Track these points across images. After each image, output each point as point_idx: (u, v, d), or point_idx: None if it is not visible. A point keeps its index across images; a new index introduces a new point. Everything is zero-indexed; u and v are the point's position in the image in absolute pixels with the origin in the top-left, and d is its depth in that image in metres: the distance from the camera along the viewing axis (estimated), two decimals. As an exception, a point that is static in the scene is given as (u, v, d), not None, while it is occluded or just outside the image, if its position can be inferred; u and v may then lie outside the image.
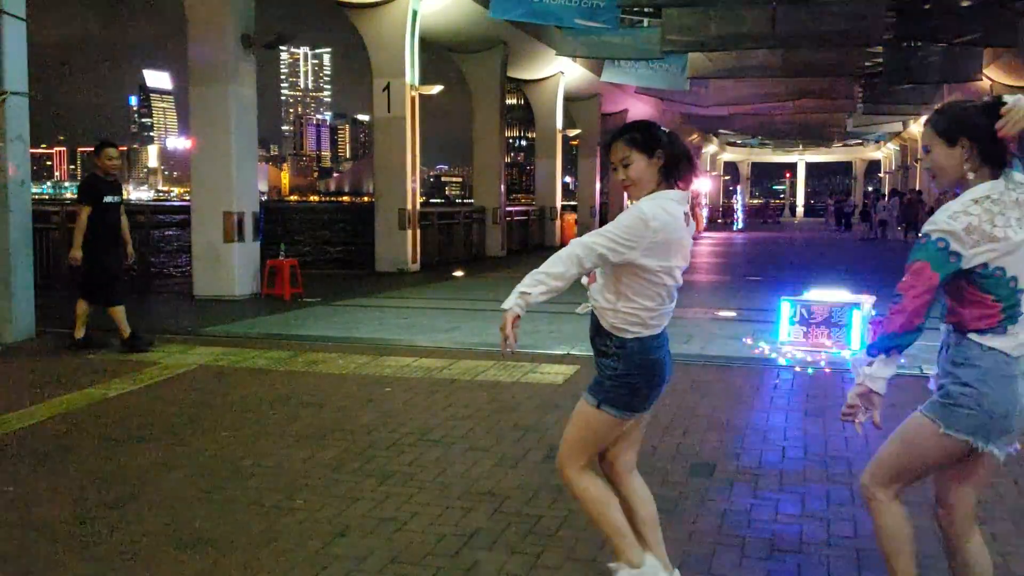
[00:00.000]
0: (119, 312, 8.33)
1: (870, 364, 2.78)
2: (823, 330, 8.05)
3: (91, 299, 8.41)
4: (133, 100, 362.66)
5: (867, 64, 26.41)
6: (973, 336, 2.67)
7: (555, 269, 2.94)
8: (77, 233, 8.18)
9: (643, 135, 3.02)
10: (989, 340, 2.65)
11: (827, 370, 7.38)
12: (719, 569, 3.57)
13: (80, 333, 8.39)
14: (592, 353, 3.20)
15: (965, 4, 21.67)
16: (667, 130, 3.08)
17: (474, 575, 3.52)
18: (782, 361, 7.71)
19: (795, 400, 6.42)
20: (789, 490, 4.49)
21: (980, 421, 2.66)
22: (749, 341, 8.59)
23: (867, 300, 8.23)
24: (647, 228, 2.88)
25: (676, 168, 3.03)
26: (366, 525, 4.03)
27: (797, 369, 7.42)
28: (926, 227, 2.67)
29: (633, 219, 2.91)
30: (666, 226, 2.92)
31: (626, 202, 3.20)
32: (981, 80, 25.98)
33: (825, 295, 8.42)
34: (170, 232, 23.04)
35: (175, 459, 5.05)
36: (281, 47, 18.09)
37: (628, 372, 3.01)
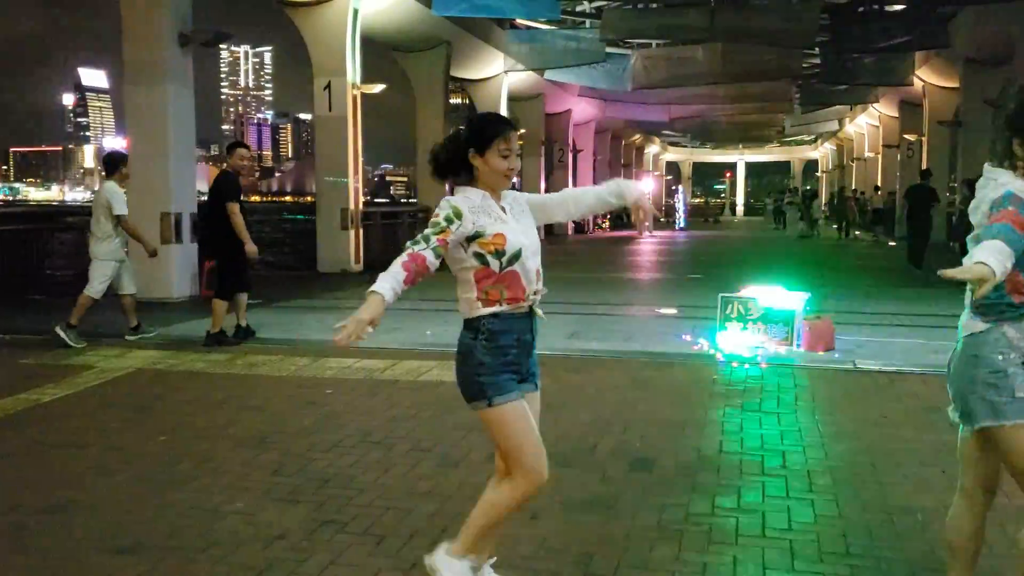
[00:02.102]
0: (244, 299, 8.79)
1: None
2: (760, 326, 8.21)
3: (226, 295, 8.67)
4: (68, 99, 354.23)
5: (804, 66, 26.97)
6: None
7: None
8: (241, 228, 8.44)
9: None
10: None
11: (763, 365, 7.52)
12: (657, 564, 3.62)
13: (244, 321, 8.80)
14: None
15: (897, 8, 22.26)
16: None
17: (417, 573, 3.52)
18: (720, 357, 7.84)
19: (733, 395, 6.53)
20: (726, 484, 4.58)
21: None
22: (688, 338, 8.71)
23: (802, 296, 8.41)
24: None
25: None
26: (306, 528, 4.01)
27: (735, 364, 7.56)
28: None
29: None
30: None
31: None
32: (913, 82, 26.71)
33: (762, 292, 8.58)
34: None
35: (111, 464, 4.97)
36: (221, 45, 17.87)
37: None
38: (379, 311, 2.80)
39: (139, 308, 9.19)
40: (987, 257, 2.45)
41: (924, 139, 27.47)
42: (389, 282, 2.84)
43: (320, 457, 5.06)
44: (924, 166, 24.30)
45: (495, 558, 3.33)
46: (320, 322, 10.10)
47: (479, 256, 2.98)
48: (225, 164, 9.10)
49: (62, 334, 8.43)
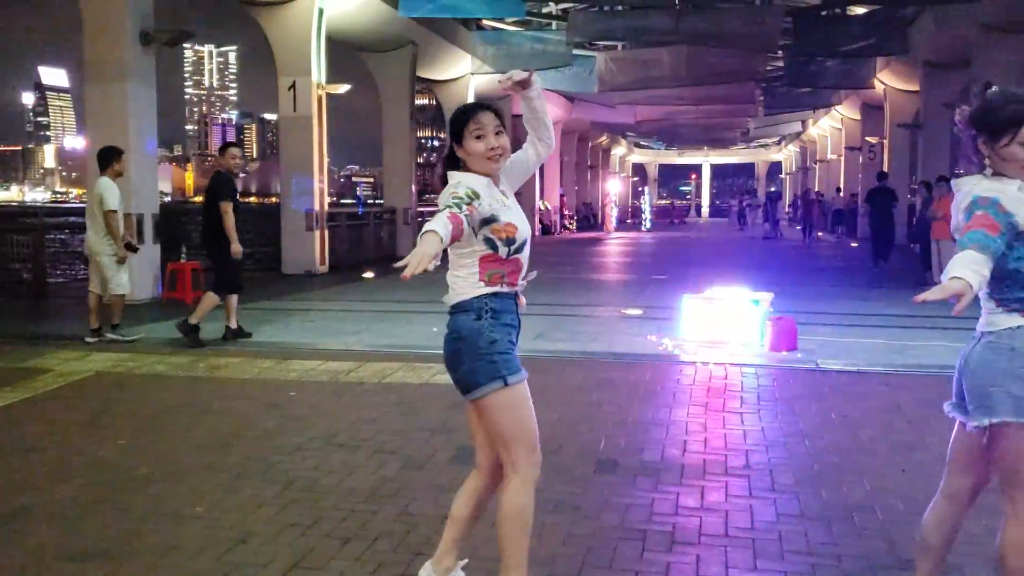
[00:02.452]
0: (234, 300, 8.90)
1: None
2: (724, 326, 8.27)
3: (221, 291, 8.79)
4: (28, 98, 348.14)
5: (768, 69, 27.25)
6: None
7: None
8: (231, 230, 8.55)
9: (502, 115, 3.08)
10: None
11: (727, 365, 7.58)
12: (621, 563, 3.63)
13: (233, 323, 8.85)
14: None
15: (858, 12, 22.55)
16: None
17: (380, 575, 3.51)
18: (684, 357, 7.89)
19: (697, 395, 6.58)
20: (689, 484, 4.60)
21: None
22: (654, 338, 8.76)
23: (765, 297, 8.49)
24: None
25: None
26: (269, 531, 3.97)
27: (699, 365, 7.61)
28: None
29: None
30: None
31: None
32: (874, 85, 27.08)
33: (726, 292, 8.65)
34: (65, 235, 22.20)
35: (70, 469, 4.89)
36: (185, 44, 17.68)
37: None
38: (438, 247, 2.61)
39: (101, 310, 9.06)
40: (961, 270, 2.47)
41: (885, 141, 27.85)
42: (441, 225, 2.64)
43: (283, 460, 5.01)
44: (885, 168, 24.67)
45: (466, 560, 3.31)
46: (284, 324, 10.03)
47: (489, 241, 2.93)
48: (212, 162, 9.20)
49: (113, 336, 8.77)
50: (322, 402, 6.39)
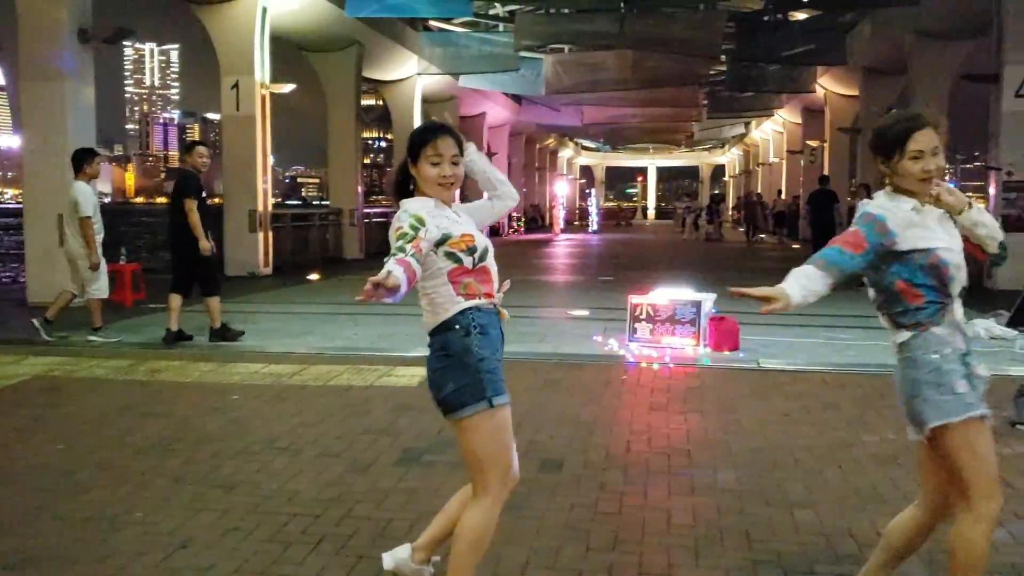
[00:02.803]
0: (216, 302, 8.73)
1: None
2: (668, 327, 8.37)
3: (186, 292, 8.69)
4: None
5: (711, 73, 27.59)
6: None
7: None
8: (197, 225, 8.39)
9: (461, 139, 3.06)
10: None
11: (671, 365, 7.67)
12: (564, 563, 3.65)
13: (175, 326, 8.63)
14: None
15: (799, 18, 22.97)
16: None
17: (322, 581, 3.48)
18: (629, 358, 7.96)
19: (641, 395, 6.64)
20: (633, 483, 4.65)
21: None
22: (600, 339, 8.82)
23: (708, 297, 8.60)
24: None
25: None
26: (210, 536, 3.92)
27: (644, 365, 7.68)
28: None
29: None
30: None
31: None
32: (815, 90, 27.59)
33: (670, 293, 8.74)
34: None
35: (6, 475, 4.78)
36: (125, 42, 17.33)
37: None
38: (393, 283, 2.53)
39: (38, 312, 8.87)
40: (790, 284, 2.77)
41: (826, 145, 28.39)
42: (396, 270, 2.58)
43: (225, 464, 4.95)
44: (826, 171, 25.16)
45: (439, 558, 3.32)
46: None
47: (451, 255, 2.90)
48: (181, 162, 9.07)
49: (95, 338, 8.68)
50: (265, 405, 6.32)
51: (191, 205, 8.41)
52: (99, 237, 8.75)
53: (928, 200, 2.83)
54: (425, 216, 2.85)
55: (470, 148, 3.12)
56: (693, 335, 8.30)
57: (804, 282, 2.77)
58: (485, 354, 2.91)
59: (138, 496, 4.43)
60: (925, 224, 2.83)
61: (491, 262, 3.02)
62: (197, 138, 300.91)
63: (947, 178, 2.95)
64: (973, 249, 2.90)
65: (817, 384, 6.99)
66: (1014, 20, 14.20)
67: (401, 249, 2.71)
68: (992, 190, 14.94)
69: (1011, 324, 6.15)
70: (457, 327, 2.90)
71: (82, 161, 8.77)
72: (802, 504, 4.31)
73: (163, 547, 3.78)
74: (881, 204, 2.89)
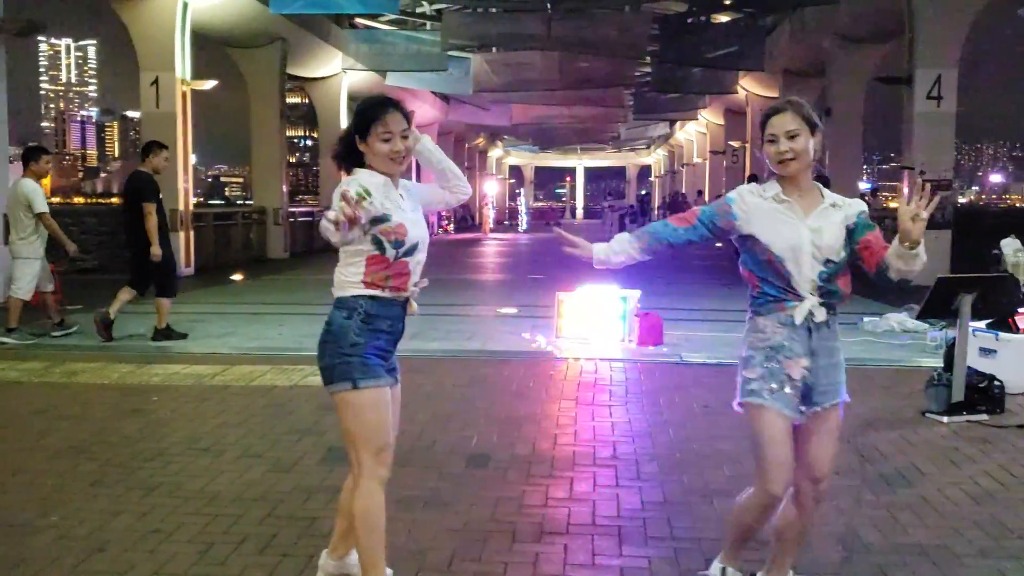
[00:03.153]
0: (167, 304, 8.72)
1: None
2: (595, 322, 8.45)
3: (142, 290, 8.63)
4: None
5: (637, 74, 27.95)
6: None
7: None
8: (153, 230, 8.33)
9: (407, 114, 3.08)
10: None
11: (598, 360, 7.75)
12: (490, 555, 3.67)
13: (114, 314, 8.55)
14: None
15: (722, 21, 23.42)
16: None
17: (243, 580, 3.43)
18: (556, 354, 8.02)
19: (567, 389, 6.70)
20: (558, 476, 4.69)
21: None
22: (528, 336, 8.86)
23: (633, 294, 8.72)
24: None
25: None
26: (128, 539, 3.82)
27: (570, 360, 7.75)
28: (863, 204, 2.96)
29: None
30: None
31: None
32: (737, 91, 28.17)
33: (597, 290, 8.83)
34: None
35: (-95, 483, 4.57)
36: (40, 38, 16.77)
37: None
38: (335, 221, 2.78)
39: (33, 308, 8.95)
40: (602, 245, 3.17)
41: (747, 145, 29.00)
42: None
43: (144, 466, 4.83)
44: (748, 171, 25.74)
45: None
46: (147, 327, 9.63)
47: (377, 242, 2.95)
48: (141, 164, 8.84)
49: (6, 339, 8.42)
50: (186, 406, 6.19)
51: (150, 208, 8.35)
52: (39, 237, 8.72)
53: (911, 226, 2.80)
54: (372, 187, 2.93)
55: (424, 139, 3.14)
56: (619, 330, 8.40)
57: (614, 245, 3.15)
58: (360, 340, 2.97)
59: (53, 500, 4.30)
60: (781, 216, 2.93)
61: (417, 257, 3.05)
62: (116, 136, 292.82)
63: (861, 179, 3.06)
64: (868, 260, 2.94)
65: (737, 377, 7.12)
66: (925, 25, 14.71)
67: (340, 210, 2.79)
68: (906, 189, 15.45)
69: (919, 317, 6.37)
70: (344, 308, 3.00)
71: (29, 158, 8.77)
72: (722, 493, 4.40)
73: (79, 552, 3.68)
74: (743, 188, 3.05)
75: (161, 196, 8.64)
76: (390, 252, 2.97)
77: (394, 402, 3.16)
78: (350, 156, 3.09)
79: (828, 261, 2.90)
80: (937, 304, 5.86)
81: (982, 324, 6.62)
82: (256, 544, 3.77)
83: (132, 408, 6.12)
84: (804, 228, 2.90)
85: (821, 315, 2.92)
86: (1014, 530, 3.96)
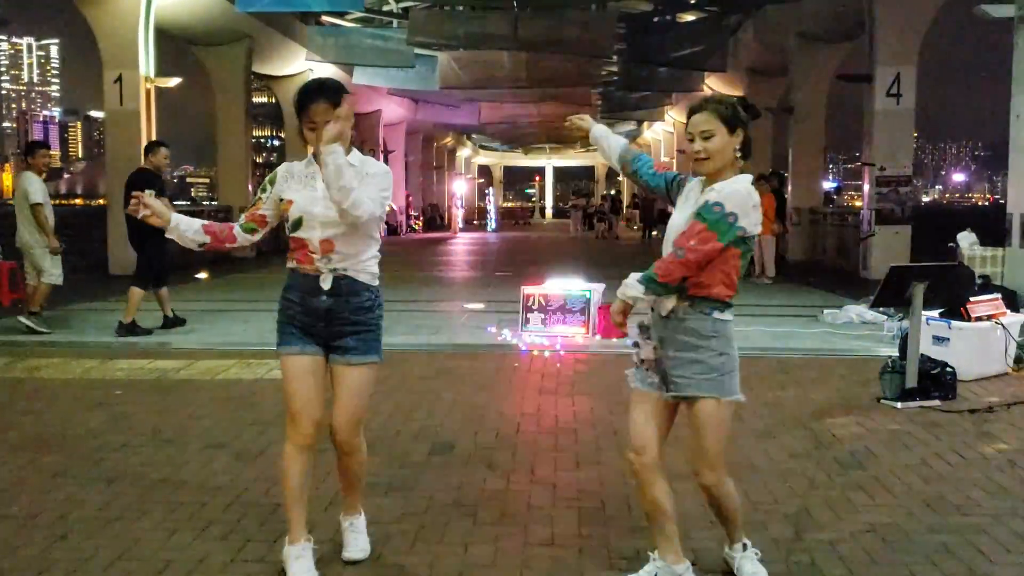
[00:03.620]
0: (166, 293, 9.19)
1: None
2: (559, 316, 8.54)
3: (145, 285, 8.83)
4: None
5: (604, 73, 28.12)
6: (715, 309, 2.98)
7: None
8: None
9: (340, 94, 3.15)
10: (726, 313, 3.03)
11: (562, 352, 7.83)
12: (452, 537, 3.73)
13: (130, 319, 8.69)
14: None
15: (688, 20, 23.63)
16: None
17: (206, 565, 3.46)
18: (521, 346, 8.09)
19: (531, 380, 6.78)
20: (521, 461, 4.76)
21: (737, 378, 3.07)
22: (494, 330, 8.93)
23: (597, 288, 8.81)
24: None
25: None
26: (91, 527, 3.84)
27: (535, 353, 7.83)
28: (726, 199, 2.91)
29: (387, 174, 3.23)
30: None
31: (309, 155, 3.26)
32: (703, 90, 28.41)
33: (561, 285, 8.92)
34: None
35: None
36: (1, 36, 16.51)
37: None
38: (166, 215, 3.26)
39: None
40: (603, 128, 3.57)
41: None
42: (184, 221, 3.29)
43: (108, 457, 4.84)
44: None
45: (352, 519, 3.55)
46: (111, 324, 9.58)
47: (284, 218, 3.27)
48: (144, 162, 9.33)
49: (26, 321, 8.76)
50: (149, 400, 6.18)
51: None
52: (51, 223, 9.00)
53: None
54: (279, 174, 3.27)
55: (331, 152, 3.03)
56: (583, 324, 8.49)
57: (612, 137, 3.51)
58: (280, 307, 3.33)
59: (14, 492, 4.30)
60: (683, 204, 3.12)
61: (310, 234, 3.17)
62: (80, 136, 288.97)
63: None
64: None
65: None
66: (884, 24, 14.97)
67: (244, 212, 3.30)
68: (866, 186, 15.72)
69: (873, 305, 6.51)
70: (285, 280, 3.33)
71: (26, 154, 9.26)
72: (681, 476, 4.45)
73: (41, 540, 3.70)
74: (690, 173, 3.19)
75: (166, 192, 9.05)
76: (288, 226, 3.24)
77: (338, 383, 3.33)
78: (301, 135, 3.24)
79: None
80: (890, 293, 6.00)
81: (935, 313, 6.78)
82: (220, 530, 3.80)
83: (96, 402, 6.10)
84: (679, 211, 3.10)
85: (667, 306, 3.05)
86: (959, 507, 4.09)
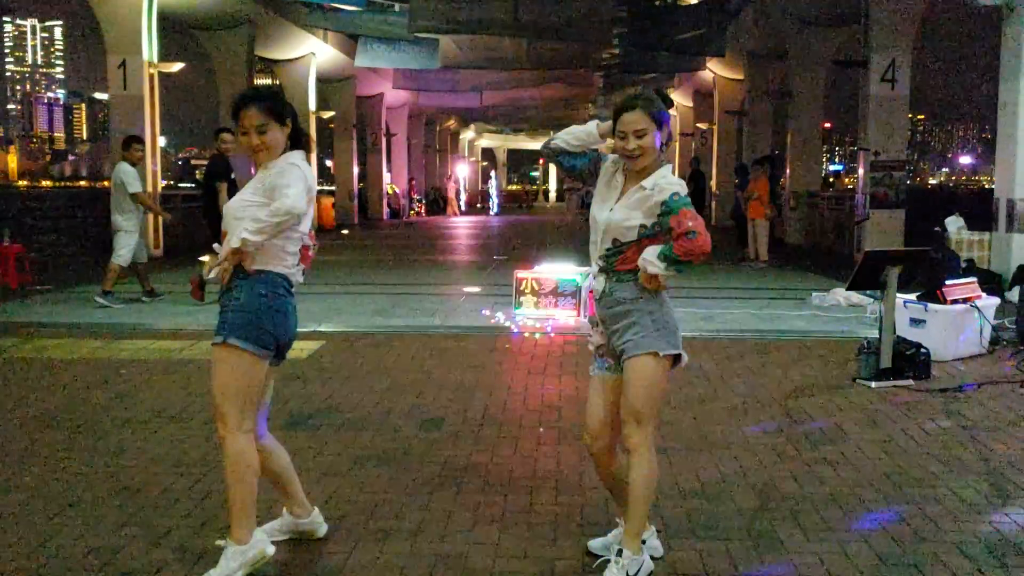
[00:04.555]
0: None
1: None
2: (551, 299, 8.77)
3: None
4: None
5: (605, 56, 28.20)
6: (637, 276, 3.20)
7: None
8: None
9: (275, 104, 3.32)
10: None
11: (552, 334, 8.07)
12: (436, 505, 3.97)
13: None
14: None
15: (690, 3, 23.70)
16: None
17: (208, 529, 3.70)
18: (514, 328, 8.32)
19: (521, 361, 7.01)
20: (505, 436, 5.00)
21: (678, 337, 3.29)
22: (488, 312, 9.16)
23: (588, 272, 9.02)
24: (308, 182, 3.29)
25: (298, 135, 3.40)
26: (97, 496, 4.08)
27: (526, 334, 8.06)
28: (677, 188, 3.13)
29: (301, 177, 3.25)
30: (313, 180, 3.39)
31: (252, 169, 3.45)
32: (705, 70, 28.51)
33: (554, 269, 9.14)
34: None
35: None
36: (4, 19, 16.67)
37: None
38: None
39: (144, 276, 10.16)
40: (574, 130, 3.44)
41: (715, 127, 29.38)
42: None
43: (113, 433, 5.08)
44: (714, 152, 26.28)
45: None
46: (115, 305, 9.84)
47: None
48: (215, 148, 10.04)
49: (102, 300, 9.50)
50: (153, 379, 6.43)
51: (221, 187, 9.49)
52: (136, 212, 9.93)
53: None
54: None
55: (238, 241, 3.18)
56: (574, 307, 8.72)
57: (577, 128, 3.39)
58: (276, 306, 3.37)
59: (25, 464, 4.54)
60: (605, 192, 3.28)
61: (227, 226, 3.30)
62: (85, 118, 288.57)
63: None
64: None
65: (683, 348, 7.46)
66: (879, 9, 15.08)
67: None
68: (861, 170, 15.88)
69: (849, 288, 6.73)
70: None
71: (124, 147, 10.06)
72: (657, 449, 4.72)
73: (50, 509, 3.94)
74: (613, 156, 3.31)
75: (233, 176, 9.72)
76: None
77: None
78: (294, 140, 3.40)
79: (615, 240, 3.21)
80: (866, 276, 6.21)
81: (913, 296, 7.00)
82: (219, 498, 4.04)
83: (100, 381, 6.35)
84: (608, 209, 3.23)
85: (599, 287, 3.29)
86: (918, 480, 4.32)
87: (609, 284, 3.25)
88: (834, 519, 3.83)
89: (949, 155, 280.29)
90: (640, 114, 3.15)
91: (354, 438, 4.95)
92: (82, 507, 3.95)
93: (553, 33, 21.93)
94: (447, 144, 51.01)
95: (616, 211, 3.21)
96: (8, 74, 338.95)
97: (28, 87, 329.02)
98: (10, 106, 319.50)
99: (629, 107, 3.17)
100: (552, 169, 76.92)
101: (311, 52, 24.42)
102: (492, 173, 48.39)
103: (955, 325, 6.86)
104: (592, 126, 3.30)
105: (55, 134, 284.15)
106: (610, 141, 3.25)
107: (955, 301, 6.90)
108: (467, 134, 57.47)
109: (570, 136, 3.35)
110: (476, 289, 11.43)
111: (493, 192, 44.66)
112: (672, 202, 3.12)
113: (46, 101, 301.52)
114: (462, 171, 44.65)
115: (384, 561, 3.41)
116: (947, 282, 6.95)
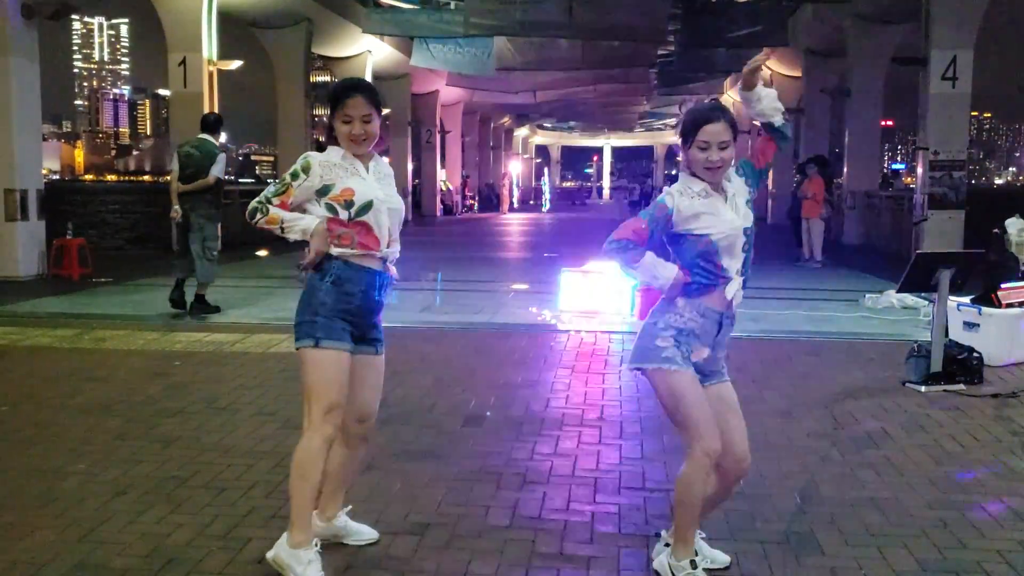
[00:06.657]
0: None
1: None
2: (599, 297, 8.77)
3: None
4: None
5: (660, 54, 28.03)
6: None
7: None
8: None
9: (377, 95, 3.32)
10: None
11: (599, 333, 8.06)
12: (475, 500, 4.02)
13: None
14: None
15: (744, 1, 23.43)
16: None
17: (252, 519, 3.80)
18: (559, 326, 8.34)
19: (565, 359, 7.03)
20: (546, 434, 5.03)
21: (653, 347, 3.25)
22: (534, 310, 9.19)
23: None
24: None
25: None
26: (147, 484, 4.21)
27: (572, 332, 8.07)
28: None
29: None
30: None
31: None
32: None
33: (602, 266, 9.12)
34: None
35: (-52, 434, 5.00)
36: (73, 17, 17.17)
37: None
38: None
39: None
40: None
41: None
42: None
43: (165, 422, 5.23)
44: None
45: (350, 507, 3.62)
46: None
47: (329, 207, 3.20)
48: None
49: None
50: (205, 370, 6.59)
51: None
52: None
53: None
54: (314, 164, 3.24)
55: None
56: (621, 305, 8.70)
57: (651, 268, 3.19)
58: (327, 300, 3.19)
59: (80, 451, 4.70)
60: (709, 208, 3.09)
61: (379, 219, 3.23)
62: (148, 114, 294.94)
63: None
64: (765, 145, 3.24)
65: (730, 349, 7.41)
66: (941, 5, 14.74)
67: (268, 201, 3.22)
68: (920, 169, 15.56)
69: (899, 290, 6.61)
70: (320, 270, 3.23)
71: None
72: (697, 451, 4.71)
73: (102, 495, 4.07)
74: (673, 189, 3.15)
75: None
76: (343, 213, 3.21)
77: (374, 372, 3.39)
78: (330, 132, 3.34)
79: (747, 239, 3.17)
80: (917, 278, 6.11)
81: (967, 299, 6.86)
82: (264, 489, 4.14)
83: (155, 371, 6.53)
84: (736, 210, 3.13)
85: (734, 290, 3.19)
86: (963, 486, 4.25)
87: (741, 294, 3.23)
88: (873, 524, 3.79)
89: (1017, 154, 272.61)
90: (724, 126, 3.06)
91: (397, 432, 5.02)
92: (132, 495, 4.07)
93: (607, 34, 21.88)
94: (501, 141, 51.13)
95: (747, 216, 3.14)
96: (75, 71, 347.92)
97: (95, 83, 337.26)
98: (77, 102, 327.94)
99: (714, 119, 3.07)
100: (607, 165, 76.67)
101: (367, 50, 24.67)
102: (545, 170, 48.41)
103: (1010, 329, 6.71)
104: (671, 273, 3.10)
105: (120, 129, 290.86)
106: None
107: (1010, 305, 6.75)
108: (521, 131, 57.52)
109: (642, 274, 3.13)
110: (524, 286, 11.47)
111: (546, 188, 44.71)
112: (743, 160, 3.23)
113: (112, 97, 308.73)
114: (515, 168, 44.70)
115: (421, 554, 3.46)
116: (1003, 285, 6.79)
